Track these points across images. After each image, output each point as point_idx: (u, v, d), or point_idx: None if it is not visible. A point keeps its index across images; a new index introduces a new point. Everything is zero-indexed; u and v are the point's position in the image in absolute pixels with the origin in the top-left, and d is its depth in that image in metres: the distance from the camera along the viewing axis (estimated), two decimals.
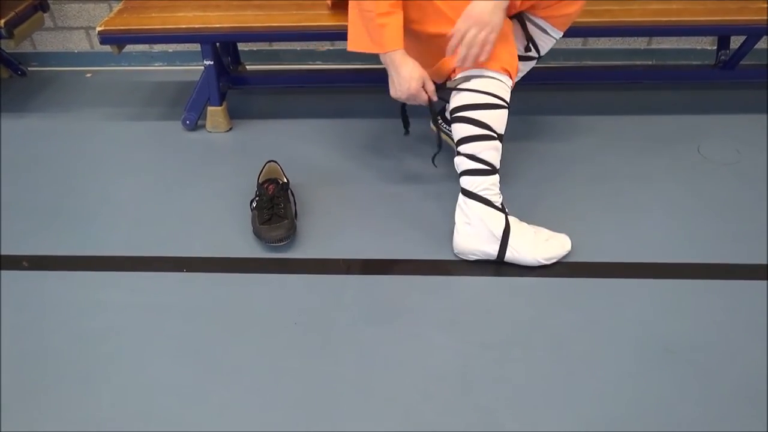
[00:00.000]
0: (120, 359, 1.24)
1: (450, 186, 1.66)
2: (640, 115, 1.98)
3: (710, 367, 1.20)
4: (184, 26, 1.79)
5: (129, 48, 2.28)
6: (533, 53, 1.55)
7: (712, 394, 1.15)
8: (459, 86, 1.37)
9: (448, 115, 1.71)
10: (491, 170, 1.39)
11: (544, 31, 1.51)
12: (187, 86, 2.20)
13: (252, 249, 1.49)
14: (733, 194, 1.64)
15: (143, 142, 1.92)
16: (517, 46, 1.46)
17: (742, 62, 1.95)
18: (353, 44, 1.45)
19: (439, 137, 1.52)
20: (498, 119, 1.37)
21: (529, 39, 1.51)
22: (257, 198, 1.55)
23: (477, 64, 1.34)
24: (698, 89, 2.10)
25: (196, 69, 2.28)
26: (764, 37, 1.98)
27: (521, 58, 1.50)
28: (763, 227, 1.53)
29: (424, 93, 1.40)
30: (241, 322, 1.31)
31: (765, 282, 1.39)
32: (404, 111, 1.59)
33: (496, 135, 1.38)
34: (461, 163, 1.41)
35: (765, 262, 1.44)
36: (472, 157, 1.38)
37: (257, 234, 1.49)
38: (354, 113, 2.02)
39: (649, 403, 1.14)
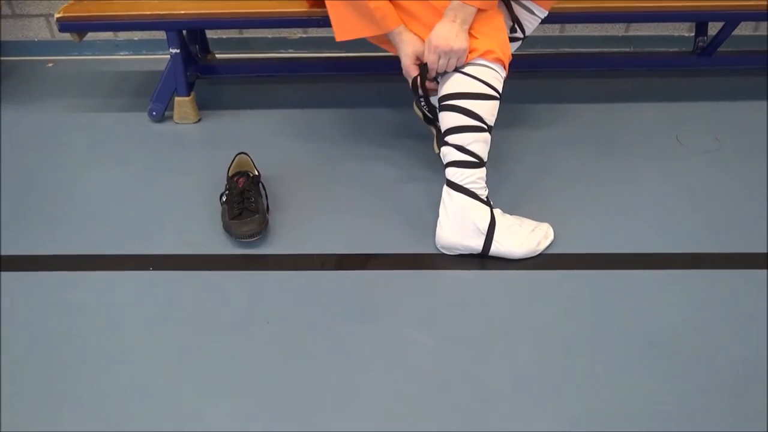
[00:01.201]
0: (85, 363, 1.17)
1: (432, 175, 1.62)
2: (620, 102, 1.96)
3: (694, 360, 1.17)
4: (148, 13, 1.71)
5: (92, 36, 2.19)
6: (519, 34, 1.52)
7: (696, 389, 1.12)
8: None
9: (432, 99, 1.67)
10: (479, 163, 1.35)
11: (530, 11, 1.48)
12: (153, 76, 2.12)
13: (222, 245, 1.43)
14: (713, 183, 1.62)
15: (108, 134, 1.84)
16: None
17: (719, 49, 1.93)
18: (345, 33, 1.40)
19: (426, 118, 1.46)
20: (489, 110, 1.34)
21: (515, 20, 1.47)
22: (227, 192, 1.49)
23: (481, 55, 1.32)
24: (676, 76, 2.08)
25: (163, 58, 2.19)
26: (742, 24, 1.96)
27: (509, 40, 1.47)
28: (744, 216, 1.52)
29: (413, 69, 1.37)
30: (212, 322, 1.25)
31: (748, 271, 1.37)
32: (425, 104, 1.49)
33: (486, 126, 1.34)
34: (448, 154, 1.36)
35: (746, 251, 1.42)
36: (460, 148, 1.34)
37: (227, 229, 1.43)
38: (328, 103, 1.96)
39: (634, 399, 1.11)
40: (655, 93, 2.00)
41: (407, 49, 1.36)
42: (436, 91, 1.40)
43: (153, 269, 1.37)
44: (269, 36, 2.22)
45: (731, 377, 1.14)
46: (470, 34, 1.31)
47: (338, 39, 1.41)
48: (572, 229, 1.46)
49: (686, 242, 1.44)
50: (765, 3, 1.74)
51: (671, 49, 2.20)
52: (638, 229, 1.47)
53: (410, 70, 1.38)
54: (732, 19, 1.81)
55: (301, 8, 1.70)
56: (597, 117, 1.89)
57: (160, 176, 1.65)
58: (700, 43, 1.97)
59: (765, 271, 1.37)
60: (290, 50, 2.26)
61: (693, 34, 2.03)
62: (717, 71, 2.09)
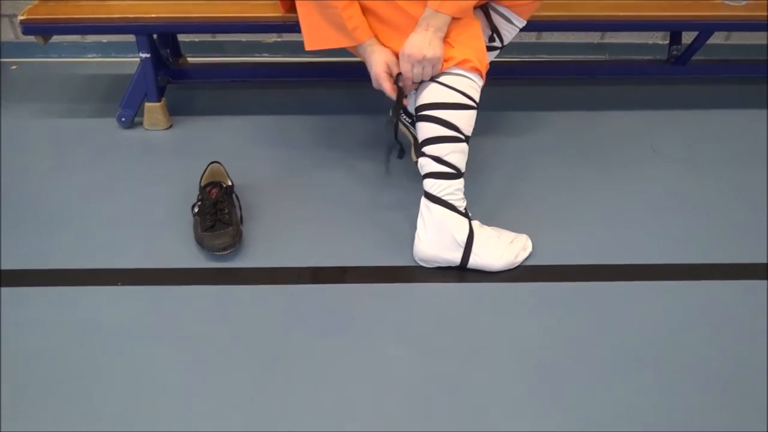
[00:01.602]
0: (50, 383, 1.12)
1: (409, 185, 1.59)
2: (596, 110, 1.96)
3: (676, 374, 1.17)
4: (116, 16, 1.66)
5: (59, 38, 2.11)
6: (497, 43, 1.51)
7: (678, 402, 1.12)
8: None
9: (408, 107, 1.65)
10: (456, 174, 1.33)
11: (508, 20, 1.46)
12: (123, 79, 2.05)
13: (194, 258, 1.39)
14: (688, 192, 1.63)
15: (74, 141, 1.78)
16: None
17: (693, 57, 1.94)
18: (315, 42, 1.37)
19: (396, 127, 1.44)
20: (466, 120, 1.32)
21: (494, 29, 1.46)
22: (199, 203, 1.44)
23: (457, 64, 1.30)
24: (651, 84, 2.10)
25: (133, 61, 2.12)
26: (715, 33, 1.97)
27: (487, 49, 1.46)
28: (721, 225, 1.52)
29: (387, 81, 1.33)
30: (184, 339, 1.21)
31: (728, 282, 1.37)
32: (396, 127, 1.47)
33: (463, 137, 1.32)
34: (426, 165, 1.34)
35: (727, 261, 1.42)
36: (437, 160, 1.32)
37: (199, 242, 1.38)
38: (303, 109, 1.93)
39: (616, 414, 1.10)
40: (631, 101, 2.01)
41: (377, 58, 1.32)
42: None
43: (122, 284, 1.32)
44: (243, 40, 2.18)
45: (714, 391, 1.14)
46: (446, 43, 1.29)
47: (308, 48, 1.38)
48: (550, 239, 1.45)
49: (663, 253, 1.44)
50: (736, 13, 1.76)
51: (646, 57, 2.22)
52: (615, 240, 1.47)
53: (381, 79, 1.33)
54: (706, 29, 1.82)
55: (275, 13, 1.66)
56: (573, 124, 1.89)
57: (130, 185, 1.60)
58: (674, 52, 1.98)
59: (745, 281, 1.38)
60: (265, 54, 2.22)
61: (667, 42, 2.05)
62: (691, 79, 2.11)
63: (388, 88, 1.34)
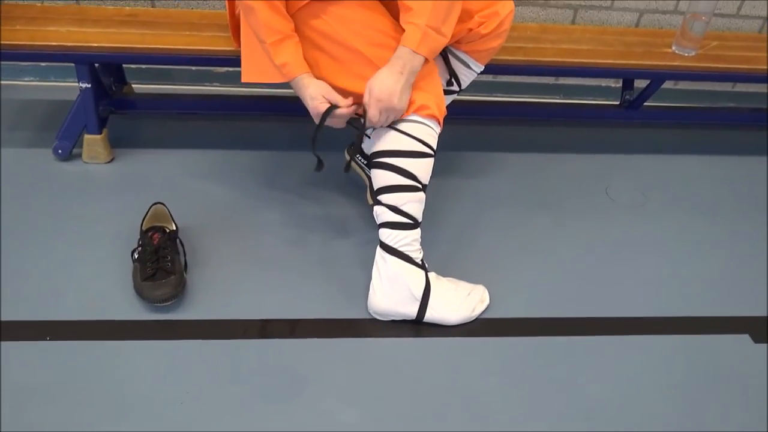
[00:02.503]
0: None
1: (365, 227, 1.54)
2: (550, 152, 1.96)
3: None
4: (54, 43, 1.55)
5: None
6: (455, 87, 1.48)
7: None
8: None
9: (364, 147, 1.60)
10: (413, 224, 1.29)
11: (467, 65, 1.45)
12: (62, 106, 1.93)
13: (132, 310, 1.29)
14: (643, 241, 1.64)
15: (4, 173, 1.65)
16: None
17: (646, 103, 1.97)
18: (250, 75, 1.31)
19: (348, 166, 1.39)
20: (424, 169, 1.28)
21: (452, 73, 1.43)
22: (140, 248, 1.35)
23: (415, 111, 1.26)
24: (605, 127, 2.12)
25: (73, 86, 2.01)
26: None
27: (443, 92, 1.43)
28: (674, 277, 1.53)
29: (323, 105, 1.25)
30: (118, 400, 1.11)
31: (685, 336, 1.37)
32: (314, 142, 1.43)
33: (420, 186, 1.28)
34: (381, 214, 1.29)
35: (680, 315, 1.42)
36: (394, 209, 1.27)
37: (139, 292, 1.29)
38: (253, 144, 1.85)
39: None
40: (585, 144, 2.02)
41: (313, 91, 1.25)
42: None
43: (50, 339, 1.22)
44: (193, 68, 2.09)
45: None
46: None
47: (244, 80, 1.33)
48: (507, 291, 1.42)
49: (622, 305, 1.43)
50: (687, 64, 1.79)
51: (600, 101, 2.24)
52: (572, 292, 1.46)
53: (320, 107, 1.25)
54: (657, 77, 1.85)
55: (226, 46, 1.60)
56: (529, 167, 1.88)
57: (64, 225, 1.49)
58: (627, 97, 2.01)
59: (701, 336, 1.38)
60: (216, 83, 2.14)
61: (620, 85, 2.07)
62: (644, 123, 2.14)
63: (321, 110, 1.26)
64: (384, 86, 1.20)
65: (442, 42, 1.24)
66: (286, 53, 1.24)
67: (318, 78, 1.28)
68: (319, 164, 1.36)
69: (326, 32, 1.25)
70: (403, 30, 1.22)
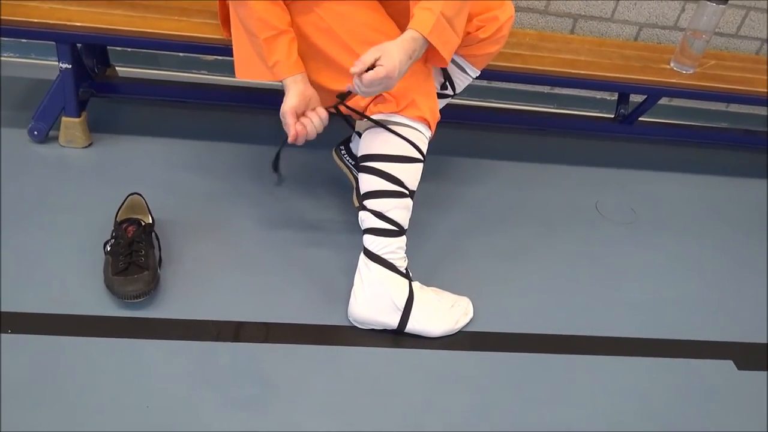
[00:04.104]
0: None
1: (349, 230, 1.49)
2: (542, 162, 1.92)
3: None
4: (35, 20, 1.48)
5: None
6: (449, 91, 1.44)
7: None
8: (377, 121, 1.22)
9: (352, 147, 1.55)
10: (398, 231, 1.24)
11: (463, 69, 1.41)
12: (41, 85, 1.86)
13: (101, 305, 1.23)
14: (628, 258, 1.61)
15: None
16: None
17: (641, 118, 1.95)
18: (243, 71, 1.26)
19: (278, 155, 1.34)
20: (412, 174, 1.24)
21: (447, 77, 1.39)
22: (113, 240, 1.29)
23: (393, 110, 1.20)
24: (598, 140, 2.09)
25: (55, 65, 1.94)
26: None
27: (437, 96, 1.39)
28: (659, 298, 1.50)
29: (291, 126, 1.18)
30: (78, 401, 1.06)
31: (665, 359, 1.34)
32: (281, 147, 1.39)
33: (407, 192, 1.23)
34: (366, 220, 1.25)
35: (664, 337, 1.40)
36: (378, 215, 1.23)
37: (109, 286, 1.23)
38: (239, 136, 1.79)
39: None
40: (577, 156, 1.99)
41: (293, 101, 1.18)
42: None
43: (11, 332, 1.15)
44: (181, 54, 2.03)
45: None
46: (403, 89, 1.20)
47: (238, 76, 1.27)
48: (491, 304, 1.39)
49: (609, 324, 1.41)
50: (684, 81, 1.77)
51: (594, 113, 2.22)
52: (558, 308, 1.42)
53: (288, 117, 1.18)
54: (653, 93, 1.82)
55: (214, 34, 1.54)
56: (519, 176, 1.84)
57: (34, 212, 1.42)
58: (622, 111, 1.98)
59: (688, 360, 1.35)
60: (203, 71, 2.07)
61: (615, 98, 2.05)
62: (638, 139, 2.12)
63: (291, 126, 1.19)
64: (392, 59, 1.09)
65: (452, 37, 1.17)
66: (280, 51, 1.18)
67: (309, 77, 1.23)
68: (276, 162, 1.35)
69: (320, 27, 1.20)
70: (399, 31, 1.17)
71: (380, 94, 1.20)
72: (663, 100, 2.22)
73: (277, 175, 1.39)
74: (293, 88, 1.19)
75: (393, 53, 1.09)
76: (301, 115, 1.20)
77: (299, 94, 1.18)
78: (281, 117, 1.23)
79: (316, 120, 1.19)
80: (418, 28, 1.12)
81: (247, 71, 1.25)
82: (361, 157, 1.26)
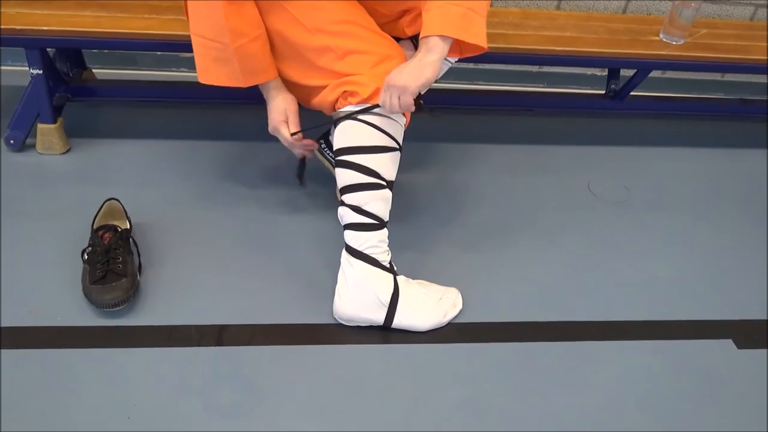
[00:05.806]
0: None
1: (333, 226, 1.46)
2: (532, 144, 1.88)
3: None
4: (1, 26, 1.45)
5: None
6: None
7: None
8: (349, 114, 1.19)
9: (332, 138, 1.52)
10: (378, 224, 1.21)
11: None
12: (18, 92, 1.82)
13: (79, 315, 1.21)
14: (626, 241, 1.56)
15: None
16: None
17: (632, 93, 1.89)
18: (207, 75, 1.24)
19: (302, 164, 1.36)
20: (387, 164, 1.20)
21: None
22: (90, 248, 1.27)
23: (362, 100, 1.17)
24: (589, 117, 2.04)
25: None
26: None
27: None
28: (655, 279, 1.46)
29: (285, 132, 1.25)
30: (58, 414, 1.04)
31: (663, 341, 1.31)
32: (302, 162, 1.44)
33: (384, 183, 1.20)
34: (345, 215, 1.21)
35: (661, 319, 1.36)
36: (356, 210, 1.19)
37: (87, 296, 1.21)
38: (220, 134, 1.75)
39: None
40: (568, 134, 1.94)
41: (278, 104, 1.24)
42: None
43: None
44: (158, 53, 1.99)
45: None
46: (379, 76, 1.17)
47: (201, 80, 1.25)
48: (481, 293, 1.35)
49: (603, 309, 1.37)
50: (674, 53, 1.71)
51: (584, 90, 2.16)
52: (551, 295, 1.38)
53: (280, 127, 1.25)
54: (643, 67, 1.77)
55: (186, 31, 1.49)
56: (508, 159, 1.80)
57: (11, 221, 1.40)
58: (613, 86, 1.93)
59: (687, 341, 1.32)
60: (183, 69, 2.03)
61: (606, 73, 1.99)
62: (629, 114, 2.07)
63: (285, 137, 1.26)
64: (398, 78, 1.10)
65: (472, 19, 1.13)
66: (254, 58, 1.19)
67: (281, 73, 1.23)
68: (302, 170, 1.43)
69: (290, 23, 1.17)
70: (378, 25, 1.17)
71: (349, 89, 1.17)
72: (655, 73, 2.16)
73: (302, 185, 1.50)
74: (275, 92, 1.24)
75: (396, 72, 1.11)
76: (286, 120, 1.25)
77: (281, 101, 1.25)
78: (272, 133, 1.28)
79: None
80: (426, 33, 1.11)
81: (211, 76, 1.23)
82: (336, 151, 1.22)
